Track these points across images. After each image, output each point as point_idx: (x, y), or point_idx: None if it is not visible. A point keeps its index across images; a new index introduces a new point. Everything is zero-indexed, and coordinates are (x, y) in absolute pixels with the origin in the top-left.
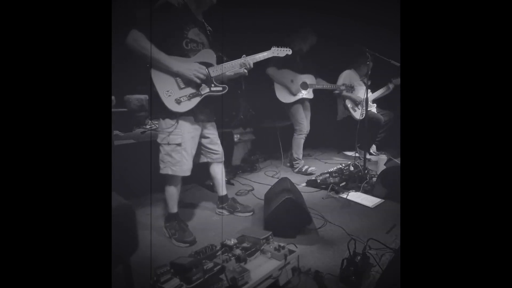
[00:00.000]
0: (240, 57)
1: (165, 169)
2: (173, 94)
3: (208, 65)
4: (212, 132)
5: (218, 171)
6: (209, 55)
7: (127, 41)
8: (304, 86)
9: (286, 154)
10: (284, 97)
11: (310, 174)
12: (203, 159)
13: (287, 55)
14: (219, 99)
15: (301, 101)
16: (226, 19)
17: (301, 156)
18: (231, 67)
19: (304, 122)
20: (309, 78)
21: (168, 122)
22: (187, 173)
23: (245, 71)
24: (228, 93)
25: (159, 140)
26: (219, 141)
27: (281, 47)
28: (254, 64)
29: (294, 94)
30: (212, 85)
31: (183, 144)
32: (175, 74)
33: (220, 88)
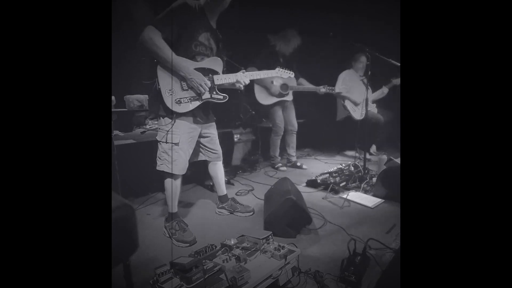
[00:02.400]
0: (241, 70)
1: (162, 166)
2: (175, 94)
3: (214, 72)
4: (211, 132)
5: (217, 170)
6: (217, 63)
7: (142, 37)
8: (284, 88)
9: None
10: (263, 98)
11: (281, 170)
12: (201, 157)
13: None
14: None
15: (281, 103)
16: (230, 20)
17: (277, 154)
18: (234, 78)
19: (281, 123)
20: (290, 80)
21: (167, 120)
22: (183, 172)
23: (240, 86)
24: (228, 93)
25: (158, 138)
26: (217, 141)
27: (286, 70)
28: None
29: (274, 96)
30: (214, 92)
31: (180, 144)
32: (181, 77)
33: (221, 97)
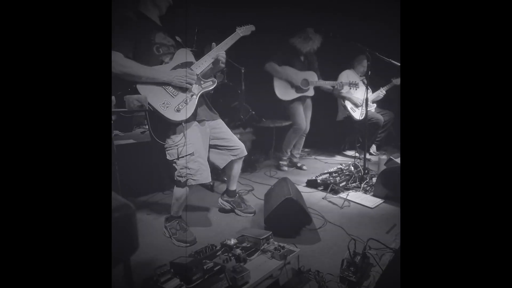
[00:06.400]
0: (211, 48)
1: (189, 181)
2: (170, 104)
3: (189, 64)
4: (222, 130)
5: (237, 167)
6: (186, 54)
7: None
8: (305, 83)
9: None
10: (284, 94)
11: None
12: (227, 159)
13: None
14: (216, 97)
15: (302, 99)
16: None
17: (289, 151)
18: (210, 60)
19: (302, 122)
20: (310, 75)
21: (175, 136)
22: (209, 179)
23: (222, 65)
24: (228, 93)
25: (169, 158)
26: (233, 135)
27: (245, 25)
28: (254, 63)
29: (295, 91)
30: (201, 82)
31: (196, 152)
32: (164, 84)
33: (210, 83)
